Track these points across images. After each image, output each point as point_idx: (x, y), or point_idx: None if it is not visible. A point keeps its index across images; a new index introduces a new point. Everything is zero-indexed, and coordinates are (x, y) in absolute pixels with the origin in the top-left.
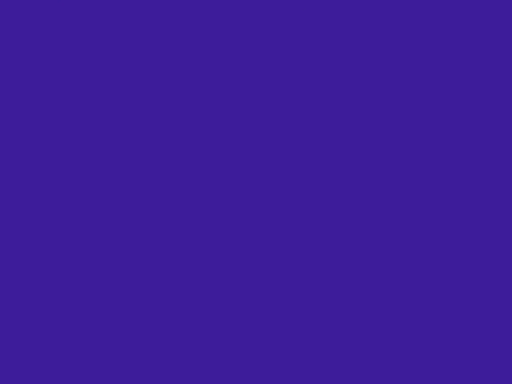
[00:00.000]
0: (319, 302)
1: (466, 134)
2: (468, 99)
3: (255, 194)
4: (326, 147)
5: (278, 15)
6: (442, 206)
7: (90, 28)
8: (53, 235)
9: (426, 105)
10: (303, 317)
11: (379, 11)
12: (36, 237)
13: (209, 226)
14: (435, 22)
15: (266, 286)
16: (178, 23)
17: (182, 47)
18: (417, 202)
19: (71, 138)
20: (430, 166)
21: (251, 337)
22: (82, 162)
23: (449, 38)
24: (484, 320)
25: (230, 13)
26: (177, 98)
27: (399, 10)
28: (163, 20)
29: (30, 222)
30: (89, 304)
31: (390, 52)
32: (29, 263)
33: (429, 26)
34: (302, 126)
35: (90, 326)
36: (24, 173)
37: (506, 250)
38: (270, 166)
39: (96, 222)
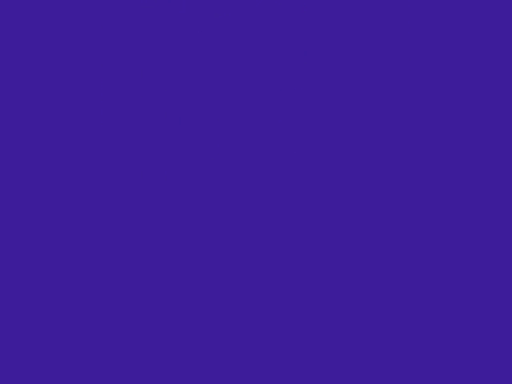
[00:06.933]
0: (319, 303)
1: (466, 134)
2: (468, 99)
3: (255, 194)
4: (325, 148)
5: (278, 15)
6: (441, 206)
7: (89, 28)
8: (53, 235)
9: (426, 105)
10: (303, 317)
11: (379, 11)
12: (36, 237)
13: (209, 226)
14: (435, 22)
15: (266, 286)
16: (177, 23)
17: (182, 47)
18: (417, 202)
19: (71, 138)
20: (430, 166)
21: (251, 337)
22: (82, 162)
23: (449, 37)
24: (484, 320)
25: (230, 13)
26: (177, 98)
27: (399, 10)
28: (163, 20)
29: (30, 222)
30: (89, 304)
31: (390, 52)
32: (29, 263)
33: (429, 26)
34: (302, 126)
35: (89, 326)
36: (24, 173)
37: (506, 250)
38: (270, 166)
39: (96, 222)
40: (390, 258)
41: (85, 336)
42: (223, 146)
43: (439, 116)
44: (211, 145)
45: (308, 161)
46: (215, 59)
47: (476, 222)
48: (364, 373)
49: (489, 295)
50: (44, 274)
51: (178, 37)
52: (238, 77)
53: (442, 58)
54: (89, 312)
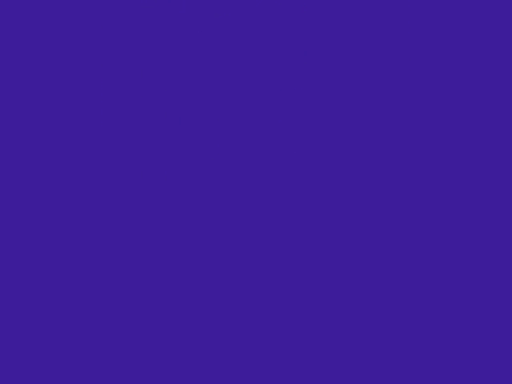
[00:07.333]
0: (319, 302)
1: (466, 134)
2: (468, 99)
3: (255, 194)
4: (325, 147)
5: (278, 15)
6: (441, 206)
7: (90, 28)
8: (53, 235)
9: (426, 105)
10: (303, 317)
11: (379, 11)
12: (36, 237)
13: (209, 226)
14: (435, 22)
15: (266, 286)
16: (177, 23)
17: (182, 47)
18: (417, 202)
19: (71, 139)
20: (430, 166)
21: (251, 337)
22: (82, 163)
23: (449, 38)
24: (484, 320)
25: (230, 13)
26: (177, 99)
27: (399, 10)
28: (163, 20)
29: (30, 222)
30: (89, 304)
31: (390, 52)
32: (29, 263)
33: (429, 26)
34: (302, 126)
35: (90, 326)
36: (24, 173)
37: (506, 250)
38: (270, 166)
39: (96, 223)
40: (390, 258)
41: (85, 336)
42: (223, 145)
43: (439, 116)
44: (211, 144)
45: (308, 161)
46: (215, 59)
47: (476, 222)
48: (364, 373)
49: (489, 295)
50: (44, 273)
51: (178, 37)
52: (237, 77)
53: (442, 58)
54: (89, 312)
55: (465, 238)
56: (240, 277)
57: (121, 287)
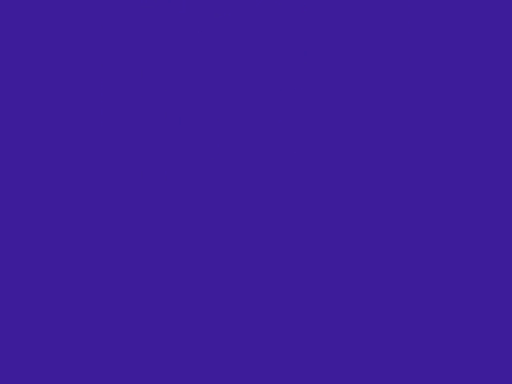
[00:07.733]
0: (319, 302)
1: (466, 134)
2: (468, 99)
3: (255, 194)
4: (326, 147)
5: (278, 15)
6: (442, 206)
7: (89, 28)
8: (53, 235)
9: (426, 105)
10: (303, 317)
11: (379, 11)
12: (36, 237)
13: (209, 226)
14: (435, 22)
15: (266, 286)
16: (178, 23)
17: (182, 47)
18: (417, 202)
19: (71, 139)
20: (430, 166)
21: (251, 337)
22: (82, 163)
23: (449, 38)
24: (484, 320)
25: (230, 13)
26: (177, 99)
27: (399, 10)
28: (163, 20)
29: (30, 223)
30: (89, 304)
31: (390, 52)
32: (29, 263)
33: (429, 26)
34: (302, 126)
35: (90, 326)
36: (24, 173)
37: (506, 250)
38: (270, 166)
39: (96, 223)
40: (390, 259)
41: (85, 336)
42: (223, 145)
43: (439, 116)
44: (211, 145)
45: (308, 161)
46: (215, 59)
47: (476, 222)
48: (364, 373)
49: (489, 295)
50: (44, 274)
51: (178, 37)
52: (237, 77)
53: (442, 58)
54: (89, 312)
55: (465, 237)
56: (240, 277)
57: (121, 287)
